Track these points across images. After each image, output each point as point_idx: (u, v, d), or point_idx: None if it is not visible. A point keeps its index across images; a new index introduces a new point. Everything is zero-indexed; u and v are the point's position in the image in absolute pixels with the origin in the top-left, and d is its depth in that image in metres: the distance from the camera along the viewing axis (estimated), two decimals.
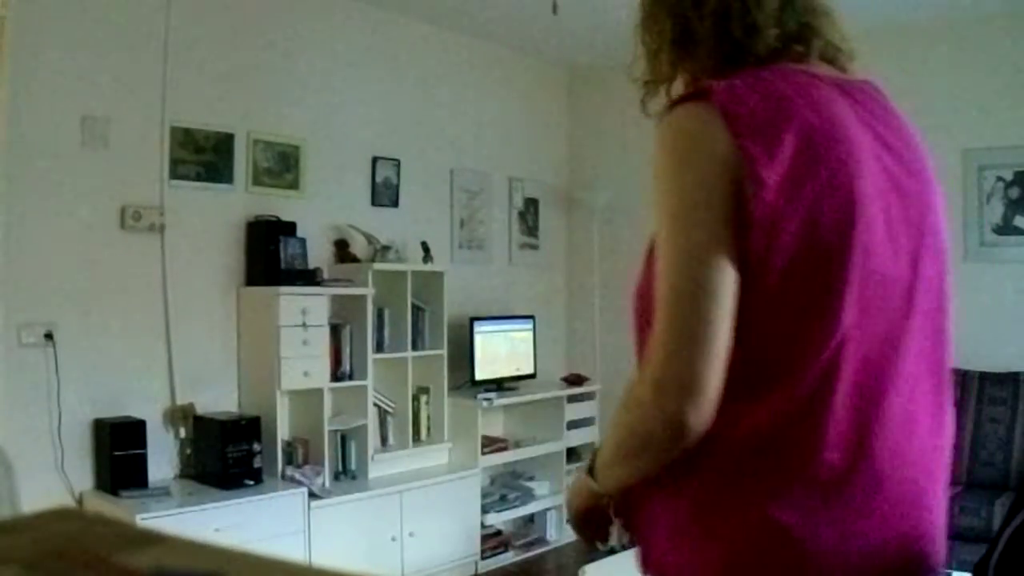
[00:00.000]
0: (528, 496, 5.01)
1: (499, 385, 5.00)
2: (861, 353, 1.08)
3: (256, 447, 3.75)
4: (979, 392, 4.39)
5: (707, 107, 1.09)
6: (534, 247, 5.77)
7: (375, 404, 4.44)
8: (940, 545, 1.19)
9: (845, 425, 1.08)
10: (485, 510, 4.72)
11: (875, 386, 1.10)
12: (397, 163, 4.84)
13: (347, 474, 4.30)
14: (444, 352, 4.71)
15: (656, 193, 1.11)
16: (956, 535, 3.91)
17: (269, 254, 4.04)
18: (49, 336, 3.46)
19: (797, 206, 1.05)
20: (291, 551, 3.65)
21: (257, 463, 3.75)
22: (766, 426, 1.07)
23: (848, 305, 1.07)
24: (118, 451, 3.49)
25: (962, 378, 4.46)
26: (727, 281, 1.05)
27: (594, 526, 1.30)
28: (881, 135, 1.16)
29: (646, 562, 1.20)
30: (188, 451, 3.83)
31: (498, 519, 4.84)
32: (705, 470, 1.10)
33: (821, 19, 1.25)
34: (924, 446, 1.14)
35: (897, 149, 1.17)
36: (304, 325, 3.98)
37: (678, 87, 1.25)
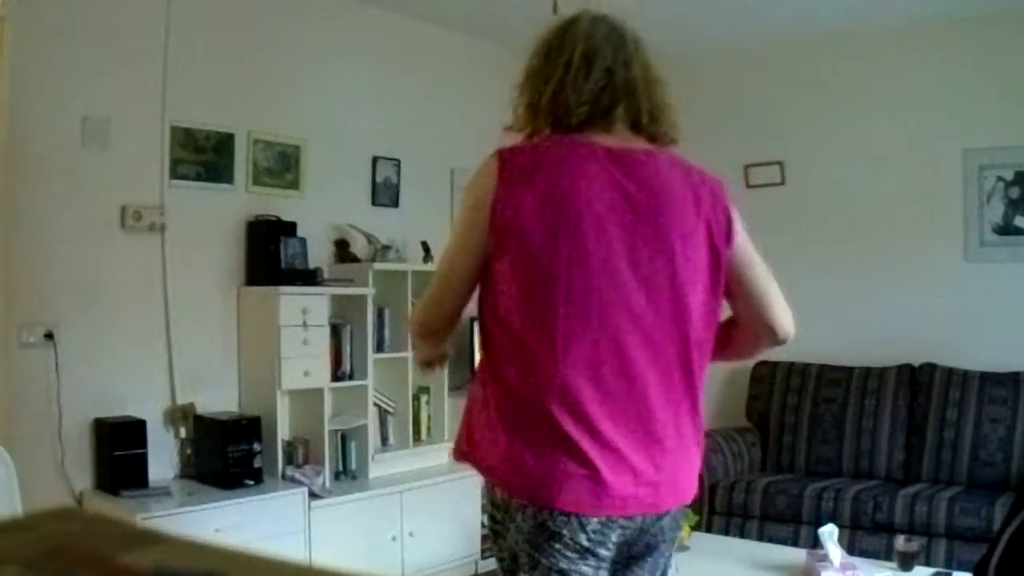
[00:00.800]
0: None
1: None
2: (580, 347, 1.62)
3: (256, 447, 3.75)
4: (979, 392, 4.38)
5: (496, 161, 1.69)
6: None
7: (375, 404, 4.44)
8: (655, 485, 1.67)
9: (569, 394, 1.61)
10: (485, 510, 4.71)
11: (595, 368, 1.62)
12: (397, 163, 4.84)
13: (347, 474, 4.30)
14: None
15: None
16: (956, 535, 3.91)
17: (269, 254, 4.04)
18: (49, 336, 3.46)
19: (528, 239, 1.62)
20: (291, 551, 3.65)
21: (257, 463, 3.75)
22: (515, 382, 1.66)
23: (563, 315, 1.62)
24: (118, 451, 3.49)
25: (962, 378, 4.46)
26: (462, 275, 1.73)
27: (433, 367, 2.03)
28: (628, 191, 1.67)
29: (455, 450, 1.86)
30: (188, 451, 3.83)
31: None
32: (484, 403, 1.73)
33: (635, 93, 1.73)
34: (637, 409, 1.65)
35: (640, 201, 1.67)
36: (304, 325, 3.98)
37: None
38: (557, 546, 1.62)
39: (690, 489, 1.74)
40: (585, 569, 1.63)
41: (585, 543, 1.62)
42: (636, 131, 1.74)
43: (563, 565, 1.62)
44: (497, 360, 1.71)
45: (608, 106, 1.72)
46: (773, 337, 1.81)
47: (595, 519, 1.61)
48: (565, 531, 1.61)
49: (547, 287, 1.62)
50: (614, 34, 1.77)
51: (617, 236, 1.63)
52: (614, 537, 1.65)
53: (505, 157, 1.69)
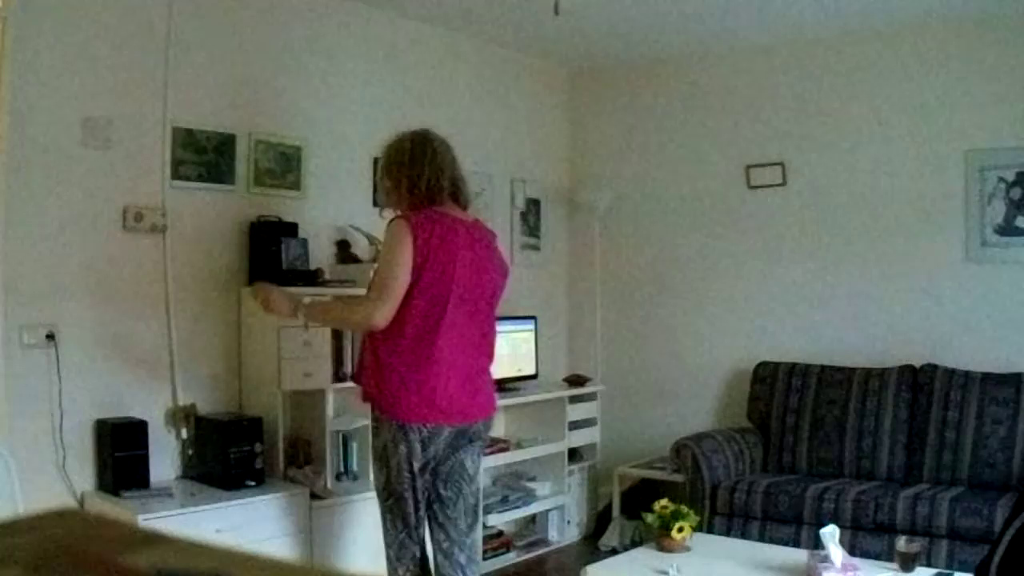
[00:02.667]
0: (530, 497, 5.02)
1: (500, 386, 4.97)
2: (447, 328, 2.93)
3: (258, 448, 3.74)
4: (981, 392, 4.38)
5: (406, 222, 2.92)
6: (536, 248, 5.77)
7: None
8: (476, 407, 3.07)
9: (439, 351, 2.92)
10: (487, 511, 4.72)
11: (450, 339, 2.94)
12: None
13: (348, 475, 4.30)
14: None
15: (381, 255, 3.10)
16: (958, 536, 3.91)
17: (271, 255, 4.04)
18: (51, 337, 3.46)
19: (432, 270, 2.90)
20: (293, 552, 3.65)
21: (259, 464, 3.74)
22: (409, 343, 2.93)
23: (448, 313, 2.92)
24: (120, 452, 3.49)
25: (964, 379, 4.46)
26: (399, 285, 2.89)
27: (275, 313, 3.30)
28: (473, 246, 3.01)
29: (362, 392, 3.08)
30: (190, 452, 3.83)
31: (500, 520, 4.84)
32: (375, 366, 2.99)
33: (458, 181, 3.10)
34: (468, 363, 3.01)
35: (479, 252, 3.04)
36: (306, 326, 3.97)
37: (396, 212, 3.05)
38: (407, 439, 2.93)
39: (490, 409, 3.15)
40: (426, 452, 2.94)
41: (424, 437, 2.94)
42: (456, 201, 3.06)
43: (408, 449, 2.93)
44: (398, 339, 2.91)
45: (452, 191, 3.05)
46: None
47: (430, 424, 2.94)
48: (412, 432, 2.93)
49: (440, 299, 2.90)
50: (443, 145, 3.11)
51: (471, 271, 2.99)
52: (444, 434, 2.97)
53: (413, 221, 2.93)
